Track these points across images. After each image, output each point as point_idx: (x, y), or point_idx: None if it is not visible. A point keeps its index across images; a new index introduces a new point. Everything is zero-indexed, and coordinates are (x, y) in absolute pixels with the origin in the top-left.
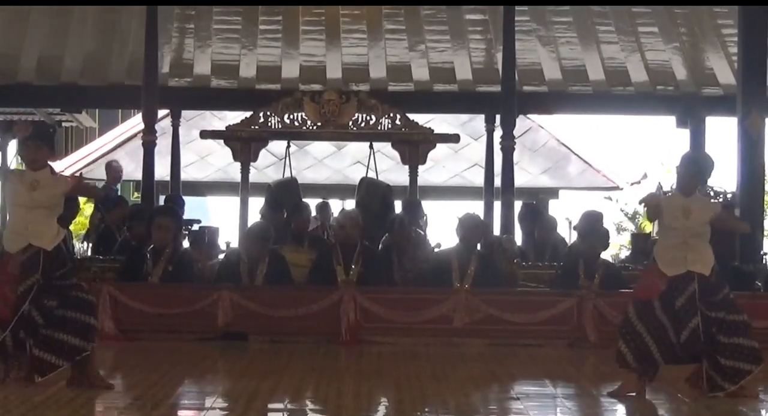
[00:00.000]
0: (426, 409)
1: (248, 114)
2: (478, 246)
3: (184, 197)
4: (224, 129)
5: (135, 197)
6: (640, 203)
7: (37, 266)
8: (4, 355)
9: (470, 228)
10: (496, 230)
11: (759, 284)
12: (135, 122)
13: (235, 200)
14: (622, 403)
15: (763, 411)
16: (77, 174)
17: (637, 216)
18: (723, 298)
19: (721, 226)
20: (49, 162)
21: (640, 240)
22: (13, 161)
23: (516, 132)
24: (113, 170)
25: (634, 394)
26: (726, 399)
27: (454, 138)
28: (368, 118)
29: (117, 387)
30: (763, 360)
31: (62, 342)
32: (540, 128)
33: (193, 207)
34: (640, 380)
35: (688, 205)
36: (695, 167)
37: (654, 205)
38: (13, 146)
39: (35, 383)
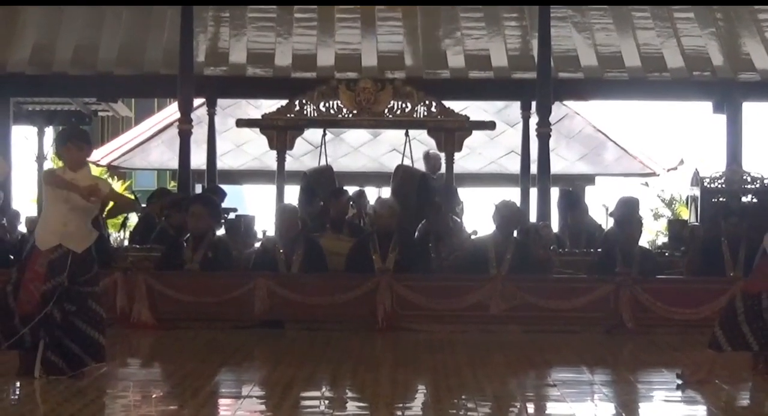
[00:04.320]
0: (463, 396)
1: (284, 102)
2: (515, 233)
3: (221, 186)
4: (260, 117)
5: (172, 185)
6: None
7: (64, 267)
8: (21, 349)
9: (507, 215)
10: (533, 217)
11: None
12: (171, 111)
13: (271, 189)
14: (661, 390)
15: None
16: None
17: (674, 202)
18: None
19: None
20: (88, 163)
21: (676, 226)
22: (49, 150)
23: (552, 119)
24: (432, 159)
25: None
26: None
27: (489, 125)
28: (404, 105)
29: (155, 375)
30: None
31: (71, 351)
32: (576, 115)
33: (229, 196)
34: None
35: None
36: None
37: None
38: (49, 134)
39: (35, 378)
